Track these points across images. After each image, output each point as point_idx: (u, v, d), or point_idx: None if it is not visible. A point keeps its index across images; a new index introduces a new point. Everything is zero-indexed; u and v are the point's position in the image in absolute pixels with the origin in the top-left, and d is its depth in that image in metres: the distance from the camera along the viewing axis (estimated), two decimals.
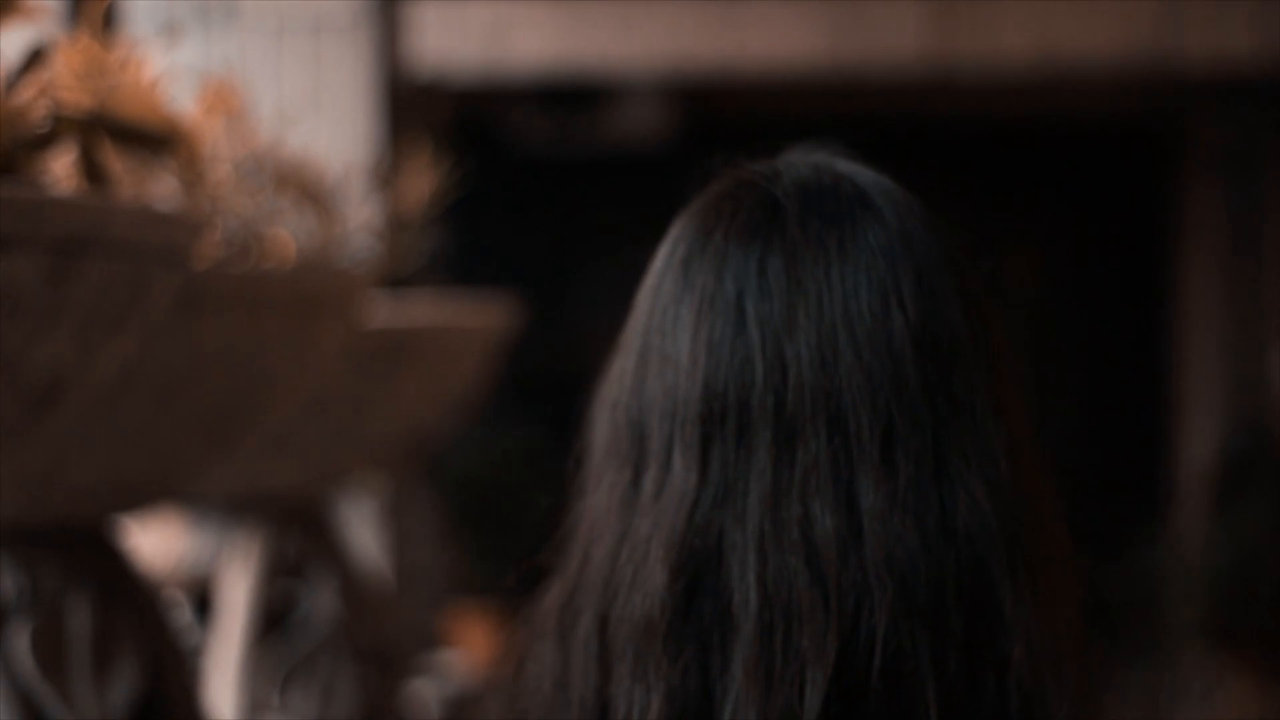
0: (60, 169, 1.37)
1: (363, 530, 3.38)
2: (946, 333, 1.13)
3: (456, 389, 2.51)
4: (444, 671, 3.50)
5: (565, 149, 6.08)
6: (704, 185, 1.20)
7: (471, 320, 2.53)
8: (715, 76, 5.07)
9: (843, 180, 1.16)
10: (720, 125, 5.97)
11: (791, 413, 1.10)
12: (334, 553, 2.32)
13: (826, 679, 1.07)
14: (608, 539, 1.14)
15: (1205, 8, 4.95)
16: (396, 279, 2.39)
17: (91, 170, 1.35)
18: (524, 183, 6.27)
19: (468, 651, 4.65)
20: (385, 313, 2.24)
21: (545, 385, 5.83)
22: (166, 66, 1.48)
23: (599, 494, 1.16)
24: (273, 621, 2.25)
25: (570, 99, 5.81)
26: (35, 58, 1.35)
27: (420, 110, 4.09)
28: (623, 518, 1.14)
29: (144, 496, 1.61)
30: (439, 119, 4.59)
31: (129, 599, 1.55)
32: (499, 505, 5.72)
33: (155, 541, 2.32)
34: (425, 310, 2.43)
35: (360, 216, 2.25)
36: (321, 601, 2.28)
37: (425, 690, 3.17)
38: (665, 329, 1.15)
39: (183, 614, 2.33)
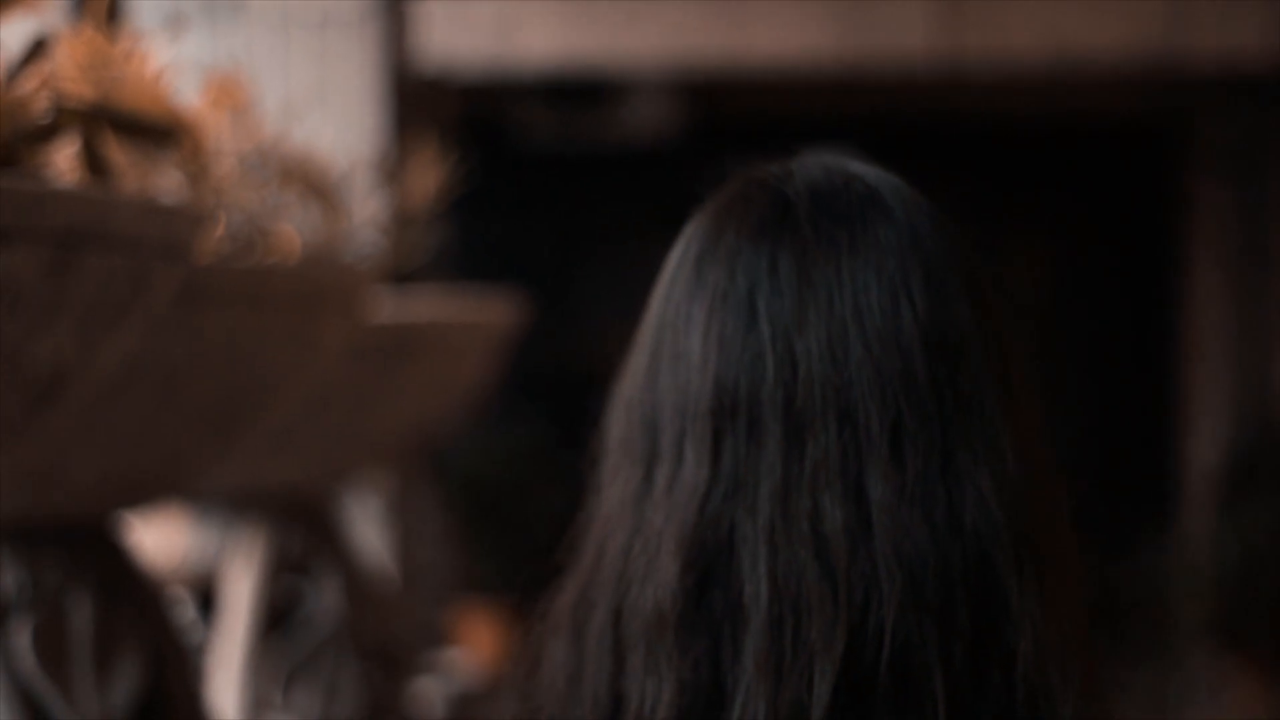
0: (63, 161, 1.36)
1: (368, 527, 3.38)
2: (955, 329, 1.14)
3: (461, 385, 2.50)
4: (449, 669, 3.50)
5: (571, 145, 6.08)
6: (717, 185, 1.22)
7: (476, 316, 2.52)
8: (722, 72, 5.06)
9: (854, 180, 1.18)
10: (726, 121, 5.97)
11: (801, 407, 1.12)
12: (338, 550, 2.31)
13: (835, 671, 1.08)
14: (621, 534, 1.15)
15: (1214, 6, 4.94)
16: (401, 274, 2.38)
17: (93, 163, 1.34)
18: (530, 179, 6.26)
19: (473, 649, 4.64)
20: (390, 308, 2.23)
21: (551, 382, 5.83)
22: (171, 60, 1.47)
23: (613, 490, 1.18)
24: (276, 619, 2.25)
25: (577, 95, 5.80)
26: (38, 49, 1.34)
27: (427, 106, 4.08)
28: (636, 512, 1.15)
29: (146, 493, 1.61)
30: (445, 114, 4.58)
31: (131, 596, 1.55)
32: (505, 502, 5.72)
33: (158, 538, 2.32)
34: (430, 306, 2.43)
35: (365, 212, 2.24)
36: (325, 599, 2.28)
37: (430, 688, 3.17)
38: (678, 326, 1.16)
39: (185, 611, 2.33)
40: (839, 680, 1.08)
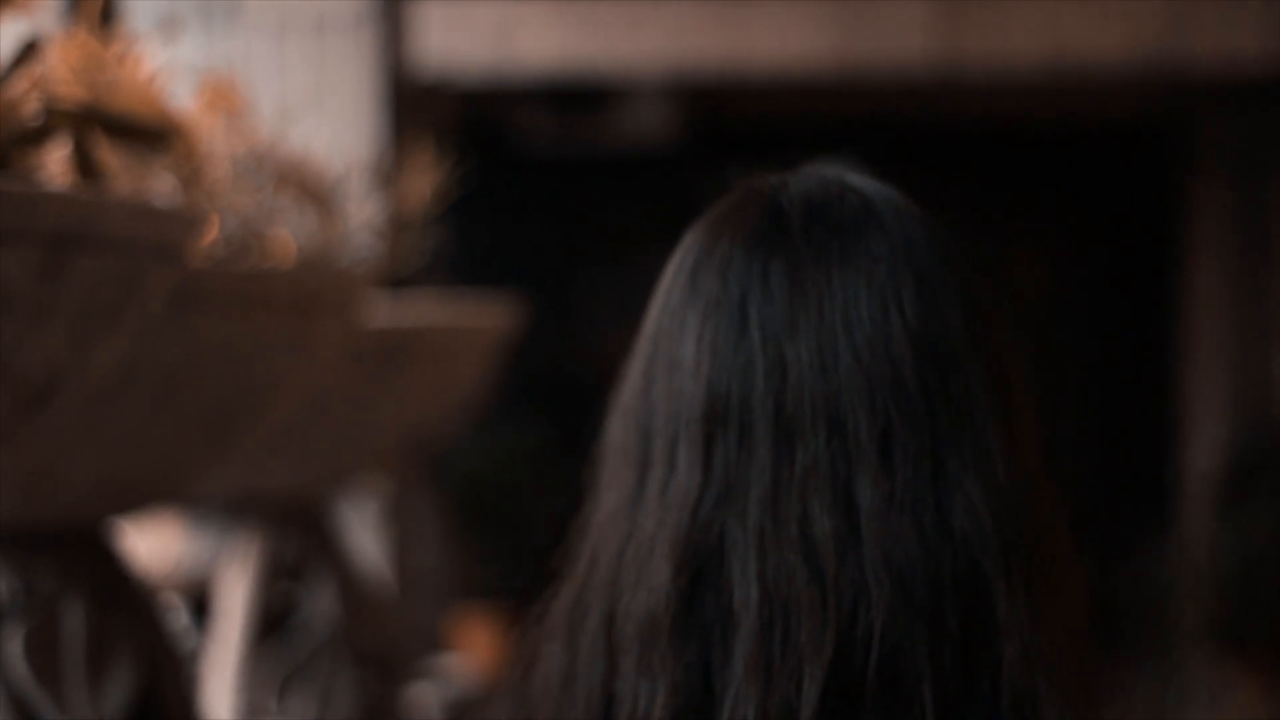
0: (55, 164, 1.35)
1: (365, 532, 3.37)
2: (946, 338, 1.15)
3: (458, 390, 2.50)
4: (446, 675, 3.49)
5: (571, 149, 6.07)
6: (717, 195, 1.23)
7: (473, 320, 2.52)
8: (721, 77, 5.05)
9: (849, 191, 1.20)
10: (726, 126, 5.96)
11: (791, 414, 1.14)
12: (333, 555, 2.31)
13: (824, 674, 1.10)
14: (615, 538, 1.17)
15: (1214, 9, 4.93)
16: (398, 279, 2.38)
17: (85, 165, 1.33)
18: (530, 183, 6.26)
19: (471, 654, 4.63)
20: (386, 313, 2.23)
21: (550, 387, 5.82)
22: (166, 63, 1.47)
23: (608, 496, 1.19)
24: (271, 625, 2.24)
25: (576, 99, 5.80)
26: (29, 51, 1.34)
27: (425, 110, 4.07)
28: (629, 517, 1.17)
29: (141, 498, 1.60)
30: (444, 119, 4.58)
31: (125, 602, 1.54)
32: (503, 507, 5.71)
33: (152, 543, 2.31)
34: (426, 310, 2.42)
35: (362, 215, 2.24)
36: (321, 604, 2.27)
37: (427, 694, 3.16)
38: (673, 333, 1.18)
39: (180, 617, 2.32)
40: (827, 684, 1.10)
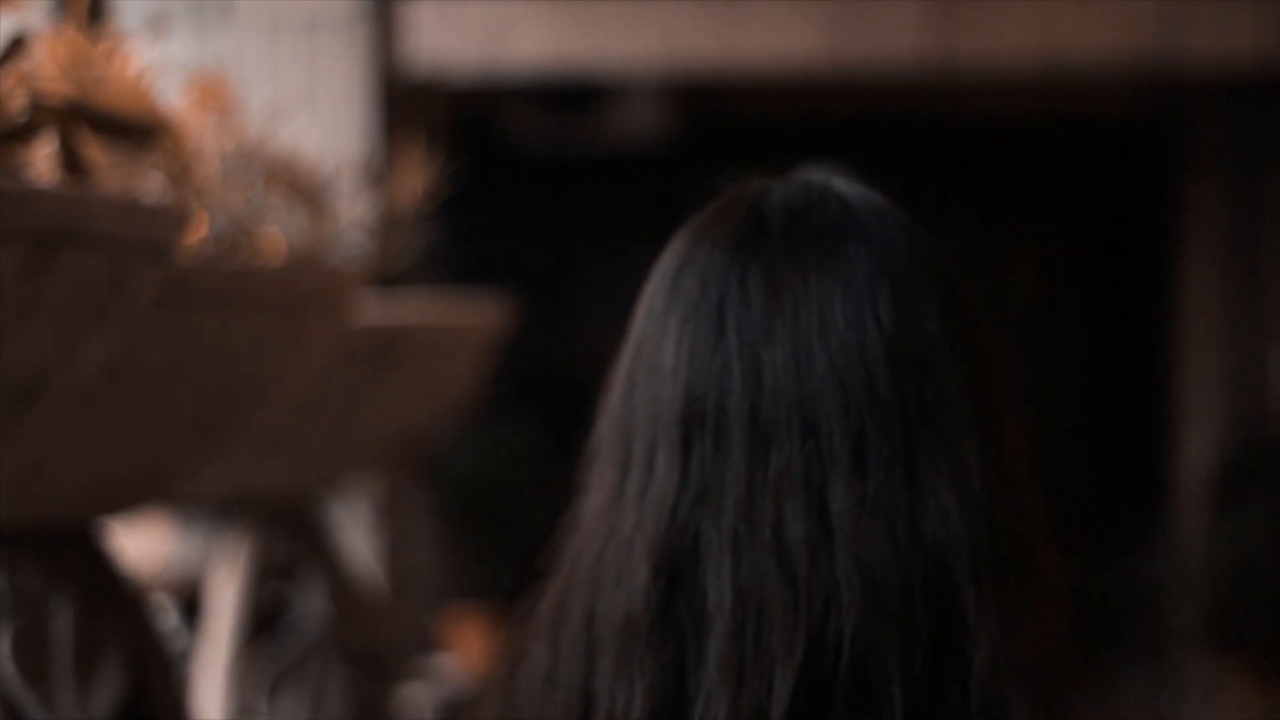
0: (42, 161, 1.35)
1: (357, 532, 3.36)
2: (923, 345, 1.16)
3: (450, 389, 2.49)
4: (439, 675, 3.48)
5: (564, 148, 6.07)
6: (709, 198, 1.24)
7: (464, 319, 2.51)
8: (714, 76, 5.05)
9: (830, 197, 1.20)
10: (719, 125, 5.96)
11: (766, 418, 1.15)
12: (324, 555, 2.30)
13: (795, 676, 1.10)
14: (596, 539, 1.18)
15: (1208, 8, 4.93)
16: (388, 277, 2.37)
17: (72, 162, 1.32)
18: (523, 182, 6.25)
19: (463, 655, 4.63)
20: (377, 311, 2.22)
21: (543, 386, 5.82)
22: (156, 60, 1.46)
23: (592, 497, 1.20)
24: (262, 625, 2.24)
25: (569, 98, 5.80)
26: (16, 47, 1.33)
27: (417, 109, 4.07)
28: (610, 518, 1.18)
29: (130, 497, 1.59)
30: (437, 118, 4.57)
31: (114, 602, 1.53)
32: (496, 507, 5.71)
33: (142, 543, 2.30)
34: (417, 309, 2.42)
35: (352, 214, 2.23)
36: (312, 604, 2.27)
37: (420, 693, 3.15)
38: (655, 338, 1.19)
39: (169, 617, 2.32)
40: (798, 685, 1.10)
